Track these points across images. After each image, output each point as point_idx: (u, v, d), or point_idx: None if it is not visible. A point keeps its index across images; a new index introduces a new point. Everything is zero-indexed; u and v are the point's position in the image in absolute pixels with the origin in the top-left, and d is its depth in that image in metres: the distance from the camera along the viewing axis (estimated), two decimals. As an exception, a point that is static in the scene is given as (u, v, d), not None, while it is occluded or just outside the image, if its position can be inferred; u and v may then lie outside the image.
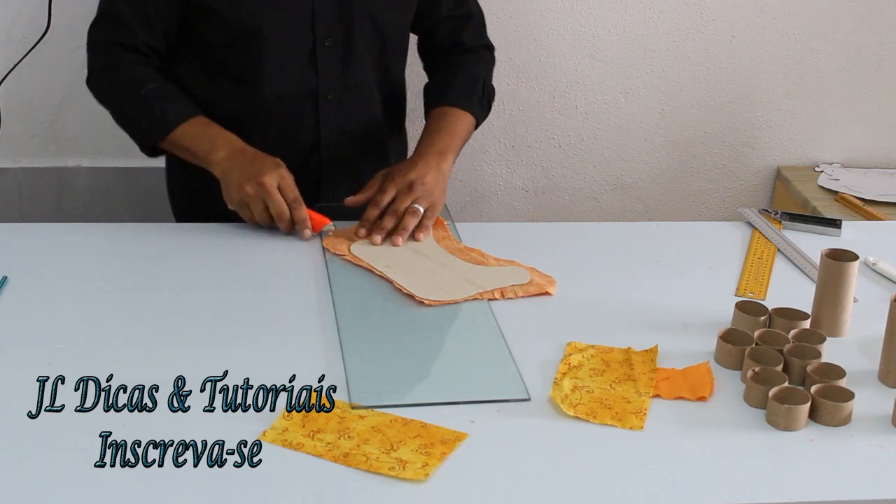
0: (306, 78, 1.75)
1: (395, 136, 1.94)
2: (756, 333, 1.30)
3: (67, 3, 2.31)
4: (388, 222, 1.61)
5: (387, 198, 1.63)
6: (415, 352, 1.33)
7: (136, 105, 1.69)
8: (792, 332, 1.31)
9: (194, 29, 1.72)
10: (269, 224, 1.60)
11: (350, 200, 1.66)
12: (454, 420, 1.15)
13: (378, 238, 1.59)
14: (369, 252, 1.56)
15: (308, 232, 1.60)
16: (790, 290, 1.49)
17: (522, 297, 1.46)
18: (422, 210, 1.62)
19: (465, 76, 1.86)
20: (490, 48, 1.95)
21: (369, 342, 1.34)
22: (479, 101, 1.84)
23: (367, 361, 1.28)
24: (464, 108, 1.81)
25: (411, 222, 1.60)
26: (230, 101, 1.75)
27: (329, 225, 1.62)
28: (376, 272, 1.50)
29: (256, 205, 1.58)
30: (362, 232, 1.61)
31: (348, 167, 1.82)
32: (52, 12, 2.25)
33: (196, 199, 1.82)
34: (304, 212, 1.60)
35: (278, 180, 1.59)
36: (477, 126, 1.85)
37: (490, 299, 1.45)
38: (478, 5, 1.93)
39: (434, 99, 1.85)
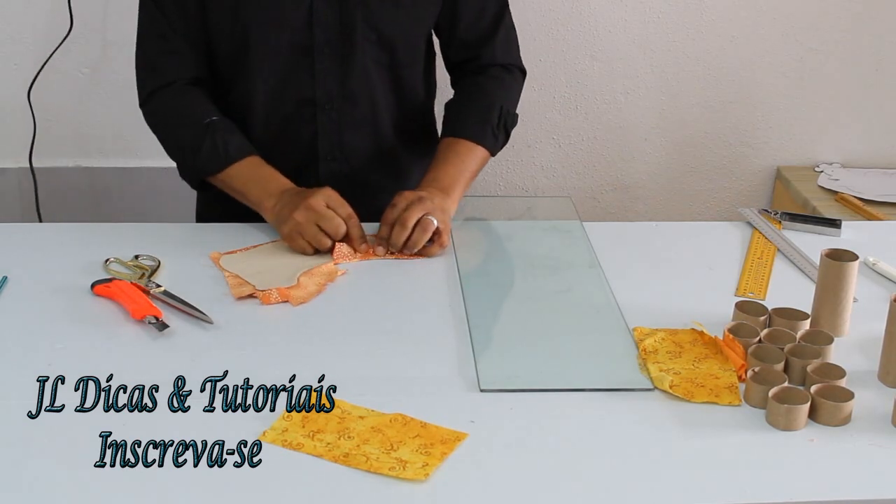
0: (303, 85, 1.68)
1: (421, 159, 1.80)
2: (763, 333, 1.30)
3: (85, 3, 2.32)
4: (399, 237, 1.52)
5: (396, 211, 1.54)
6: (540, 340, 1.35)
7: (196, 134, 1.62)
8: (799, 333, 1.31)
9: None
10: (327, 248, 1.52)
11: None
12: (454, 420, 1.15)
13: (381, 250, 1.53)
14: (236, 264, 1.50)
15: (365, 246, 1.53)
16: (790, 290, 1.49)
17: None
18: (435, 223, 1.52)
19: (481, 103, 1.74)
20: (520, 70, 1.82)
21: (496, 330, 1.36)
22: (494, 132, 1.72)
23: (495, 348, 1.31)
24: (476, 140, 1.70)
25: (421, 238, 1.52)
26: (229, 99, 1.70)
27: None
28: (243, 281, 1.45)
29: (308, 228, 1.50)
30: (380, 251, 1.53)
31: (353, 185, 1.69)
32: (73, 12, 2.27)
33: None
34: (361, 228, 1.54)
35: (325, 199, 1.52)
36: (493, 155, 1.74)
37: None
38: (510, 22, 1.79)
39: (447, 127, 1.74)
